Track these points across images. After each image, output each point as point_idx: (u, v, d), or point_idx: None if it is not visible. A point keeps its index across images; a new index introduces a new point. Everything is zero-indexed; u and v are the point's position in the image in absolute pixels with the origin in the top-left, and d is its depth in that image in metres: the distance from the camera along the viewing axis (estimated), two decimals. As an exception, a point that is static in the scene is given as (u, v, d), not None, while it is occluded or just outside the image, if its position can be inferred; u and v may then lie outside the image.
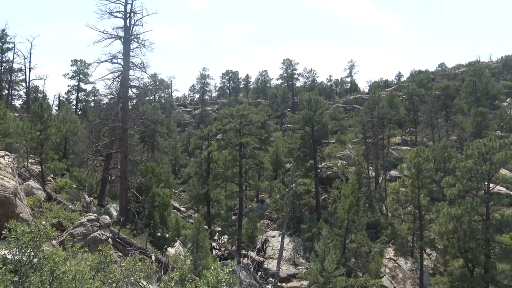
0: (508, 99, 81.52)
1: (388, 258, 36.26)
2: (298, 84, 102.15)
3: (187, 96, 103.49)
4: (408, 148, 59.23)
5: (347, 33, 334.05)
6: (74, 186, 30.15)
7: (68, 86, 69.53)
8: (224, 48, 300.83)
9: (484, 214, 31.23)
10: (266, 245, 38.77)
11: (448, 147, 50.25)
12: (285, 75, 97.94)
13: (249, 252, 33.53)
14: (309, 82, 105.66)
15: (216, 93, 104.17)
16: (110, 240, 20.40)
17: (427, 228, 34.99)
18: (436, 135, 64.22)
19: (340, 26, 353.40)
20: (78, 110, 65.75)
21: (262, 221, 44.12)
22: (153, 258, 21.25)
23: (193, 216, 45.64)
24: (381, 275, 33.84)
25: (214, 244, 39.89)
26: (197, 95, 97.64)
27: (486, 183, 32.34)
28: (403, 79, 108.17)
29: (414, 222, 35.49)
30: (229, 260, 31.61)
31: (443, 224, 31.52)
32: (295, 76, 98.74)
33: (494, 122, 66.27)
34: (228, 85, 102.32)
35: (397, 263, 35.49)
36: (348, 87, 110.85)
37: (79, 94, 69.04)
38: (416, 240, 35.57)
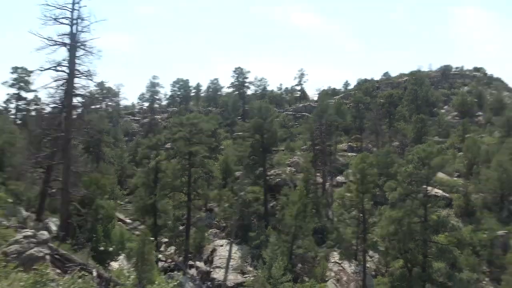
0: (445, 107, 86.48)
1: (333, 262, 37.22)
2: (249, 92, 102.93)
3: (136, 105, 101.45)
4: (354, 154, 61.25)
5: (297, 43, 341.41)
6: (10, 200, 28.69)
7: (7, 94, 65.98)
8: (175, 57, 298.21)
9: (423, 216, 32.96)
10: (214, 254, 38.63)
11: (391, 152, 52.42)
12: (236, 83, 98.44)
13: (197, 262, 33.31)
14: (260, 90, 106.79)
15: (166, 101, 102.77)
16: (48, 257, 19.56)
17: (370, 231, 36.35)
18: (380, 141, 66.88)
19: (290, 36, 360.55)
20: (17, 120, 62.64)
21: (211, 230, 43.93)
22: (95, 274, 20.63)
23: (139, 227, 44.60)
24: (327, 279, 34.69)
25: (160, 256, 39.18)
26: (146, 104, 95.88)
27: (424, 187, 34.18)
28: (350, 87, 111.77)
29: (358, 226, 36.73)
30: (175, 272, 31.23)
31: (385, 227, 32.93)
32: (246, 84, 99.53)
33: (433, 128, 70.05)
34: (179, 93, 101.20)
35: (341, 266, 36.51)
36: (298, 95, 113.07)
37: (19, 103, 65.81)
38: (359, 243, 36.77)
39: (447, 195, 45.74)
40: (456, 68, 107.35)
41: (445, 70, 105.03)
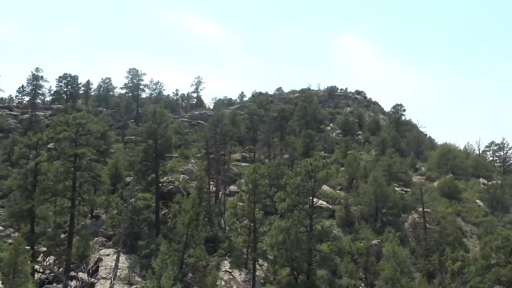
0: (331, 124, 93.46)
1: (224, 271, 37.44)
2: (144, 95, 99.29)
3: (14, 98, 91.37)
4: (247, 164, 62.75)
5: (195, 50, 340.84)
6: None
7: None
8: (63, 50, 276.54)
9: (309, 226, 34.87)
10: (100, 264, 36.21)
11: (281, 164, 54.80)
12: (130, 85, 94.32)
13: (79, 273, 30.85)
14: (155, 94, 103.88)
15: (51, 97, 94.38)
16: None
17: (260, 240, 37.35)
18: (272, 153, 69.53)
19: (189, 43, 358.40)
20: None
21: (96, 238, 41.15)
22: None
23: (12, 236, 40.03)
24: (217, 288, 34.71)
25: (37, 267, 35.55)
26: (26, 98, 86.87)
27: (311, 198, 36.25)
28: (245, 99, 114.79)
29: (249, 235, 37.54)
30: (54, 285, 28.55)
31: (274, 236, 34.09)
32: (141, 87, 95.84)
33: (319, 143, 75.08)
34: (66, 89, 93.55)
35: (232, 275, 36.90)
36: (194, 102, 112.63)
37: None
38: (250, 252, 37.57)
39: (330, 206, 49.18)
40: (341, 89, 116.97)
41: (331, 91, 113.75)
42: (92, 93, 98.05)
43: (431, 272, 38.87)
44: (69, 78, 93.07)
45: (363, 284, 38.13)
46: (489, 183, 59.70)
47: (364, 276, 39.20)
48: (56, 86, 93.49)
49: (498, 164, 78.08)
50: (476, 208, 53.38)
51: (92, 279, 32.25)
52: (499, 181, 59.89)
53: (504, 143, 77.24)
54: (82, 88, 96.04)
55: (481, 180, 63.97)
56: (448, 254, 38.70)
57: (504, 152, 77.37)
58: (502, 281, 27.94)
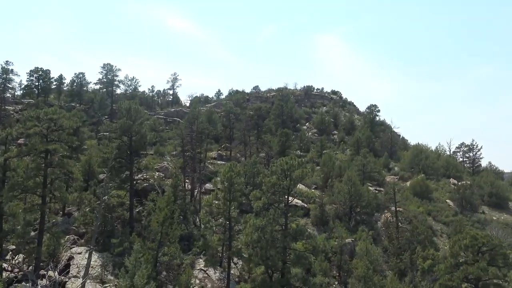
0: (307, 123, 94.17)
1: (198, 269, 37.24)
2: (119, 91, 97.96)
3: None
4: (223, 162, 62.59)
5: (172, 47, 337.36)
6: None
7: None
8: (35, 43, 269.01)
9: (284, 224, 35.00)
10: (71, 263, 35.41)
11: (257, 163, 54.87)
12: (105, 80, 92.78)
13: (49, 272, 30.02)
14: (130, 91, 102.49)
15: (21, 91, 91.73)
16: None
17: (235, 239, 37.28)
18: (248, 151, 69.59)
19: (165, 39, 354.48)
20: None
21: (68, 236, 40.23)
22: None
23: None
24: (191, 287, 34.45)
25: (5, 265, 34.46)
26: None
27: (286, 197, 36.41)
28: (222, 97, 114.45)
29: (224, 233, 37.44)
30: (23, 283, 27.75)
31: (249, 234, 34.08)
32: (116, 82, 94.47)
33: (295, 142, 75.56)
34: (37, 84, 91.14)
35: (207, 273, 36.73)
36: (170, 99, 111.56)
37: None
38: (225, 250, 37.49)
39: (305, 205, 49.60)
40: (317, 89, 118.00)
41: (308, 90, 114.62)
42: (65, 88, 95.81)
43: (402, 270, 39.69)
44: (40, 72, 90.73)
45: (336, 282, 38.60)
46: (459, 183, 61.47)
47: (337, 274, 39.70)
48: (27, 80, 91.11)
49: (468, 165, 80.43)
50: (446, 208, 54.86)
51: (63, 278, 31.51)
52: (469, 182, 61.71)
53: (474, 145, 79.66)
54: (54, 83, 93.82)
55: (452, 180, 65.83)
56: (419, 252, 39.57)
57: (474, 153, 79.74)
58: (470, 279, 28.75)
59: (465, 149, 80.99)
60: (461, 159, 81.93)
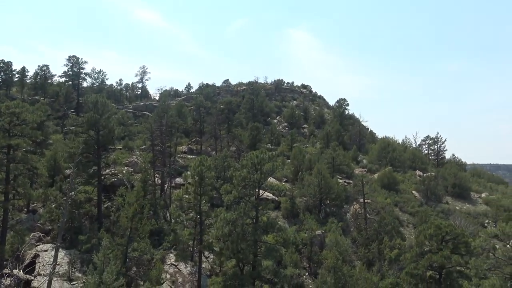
0: (277, 117, 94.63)
1: (169, 264, 36.96)
2: (85, 84, 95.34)
3: None
4: (193, 156, 62.13)
5: (139, 40, 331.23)
6: None
7: None
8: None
9: (254, 218, 35.11)
10: (37, 261, 34.43)
11: (228, 157, 54.76)
12: (70, 73, 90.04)
13: (14, 270, 29.10)
14: (97, 84, 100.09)
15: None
16: None
17: (206, 233, 37.13)
18: (219, 145, 69.34)
19: (132, 32, 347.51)
20: None
21: (33, 234, 39.05)
22: None
23: None
24: (162, 282, 34.17)
25: (-34, 264, 33.15)
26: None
27: (257, 190, 36.50)
28: (192, 90, 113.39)
29: (195, 227, 37.22)
30: (-15, 283, 26.79)
31: (220, 228, 33.99)
32: (82, 75, 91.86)
33: (266, 136, 75.87)
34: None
35: (177, 268, 36.50)
36: (139, 93, 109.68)
37: None
38: (196, 244, 37.34)
39: (276, 198, 49.92)
40: (288, 83, 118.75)
41: (278, 84, 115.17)
42: (28, 81, 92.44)
43: (370, 260, 40.66)
44: (1, 64, 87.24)
45: (307, 273, 39.16)
46: (424, 175, 63.36)
47: (308, 265, 40.27)
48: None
49: (433, 157, 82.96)
50: (412, 199, 56.47)
51: (28, 276, 30.60)
52: (433, 173, 63.69)
53: (438, 138, 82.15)
54: (16, 75, 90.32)
55: (417, 172, 67.79)
56: (386, 242, 40.62)
57: (438, 146, 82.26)
58: (434, 267, 29.73)
59: (430, 141, 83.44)
60: (426, 151, 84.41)
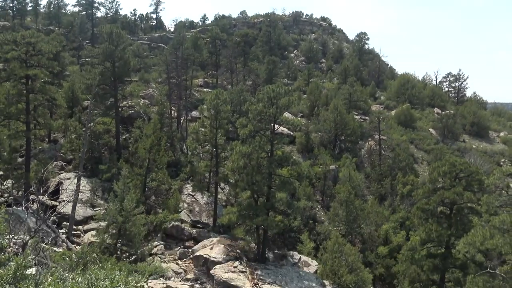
0: (295, 51, 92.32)
1: (186, 194, 38.29)
2: (99, 14, 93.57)
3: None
4: (209, 90, 61.87)
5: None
6: None
7: None
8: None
9: (269, 151, 35.57)
10: (60, 188, 36.02)
11: (244, 91, 54.47)
12: (84, 2, 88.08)
13: (39, 196, 30.61)
14: (111, 14, 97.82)
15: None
16: None
17: (222, 165, 37.95)
18: (234, 79, 68.67)
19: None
20: None
21: (55, 162, 40.51)
22: None
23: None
24: (180, 210, 35.67)
25: (-5, 190, 34.96)
26: (-32, 13, 79.64)
27: (272, 124, 36.63)
28: (208, 22, 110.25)
29: (211, 159, 38.01)
30: (14, 207, 28.30)
31: (236, 161, 34.61)
32: (96, 4, 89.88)
33: (282, 70, 74.61)
34: (12, 5, 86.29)
35: (194, 198, 37.84)
36: (153, 24, 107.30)
37: None
38: (212, 176, 38.33)
39: (291, 133, 50.16)
40: (306, 15, 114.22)
41: (296, 16, 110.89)
42: (41, 10, 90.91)
43: (382, 195, 41.45)
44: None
45: (319, 206, 40.29)
46: (443, 112, 62.40)
47: (321, 198, 41.32)
48: (0, 1, 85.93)
49: (453, 94, 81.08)
50: (428, 136, 56.14)
51: (53, 202, 32.19)
52: (452, 111, 62.66)
53: (460, 75, 79.69)
54: (30, 4, 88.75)
55: (436, 109, 66.74)
56: (399, 178, 41.09)
57: (459, 83, 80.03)
58: (446, 203, 30.15)
59: (452, 79, 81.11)
60: (447, 89, 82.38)
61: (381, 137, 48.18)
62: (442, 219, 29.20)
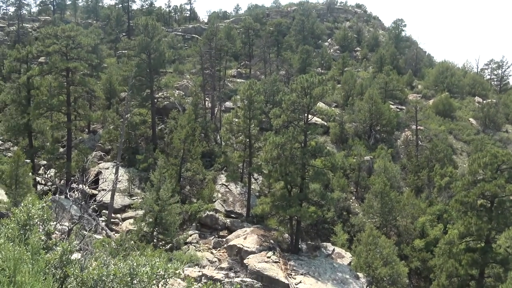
0: (329, 40, 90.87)
1: (220, 184, 38.76)
2: (135, 7, 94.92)
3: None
4: (242, 80, 61.99)
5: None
6: None
7: None
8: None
9: (303, 142, 35.39)
10: (100, 177, 37.29)
11: (277, 81, 54.19)
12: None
13: (80, 185, 31.83)
14: (146, 6, 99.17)
15: (37, 8, 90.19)
16: None
17: (255, 156, 38.13)
18: (268, 69, 68.43)
19: None
20: None
21: (95, 152, 41.93)
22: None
23: (12, 149, 40.59)
24: (214, 200, 36.18)
25: (38, 179, 36.58)
26: (12, 9, 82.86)
27: (306, 115, 36.37)
28: (241, 12, 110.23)
29: (244, 150, 38.27)
30: (57, 195, 29.56)
31: (269, 152, 34.66)
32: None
33: (316, 60, 73.68)
34: (52, 0, 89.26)
35: (228, 188, 38.26)
36: (187, 15, 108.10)
37: None
38: (245, 166, 38.61)
39: (325, 123, 49.65)
40: (341, 3, 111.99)
41: (331, 4, 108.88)
42: (80, 4, 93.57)
43: (419, 187, 40.49)
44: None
45: (353, 198, 39.83)
46: (484, 101, 59.98)
47: (355, 190, 40.83)
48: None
49: (495, 82, 77.72)
50: (468, 126, 54.20)
51: (93, 190, 33.42)
52: (494, 100, 60.13)
53: (504, 61, 76.21)
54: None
55: (477, 98, 64.20)
56: (437, 170, 39.94)
57: (502, 70, 76.59)
58: (486, 195, 29.14)
59: (494, 66, 77.68)
60: (488, 76, 79.04)
61: (418, 127, 46.91)
62: (482, 213, 28.24)
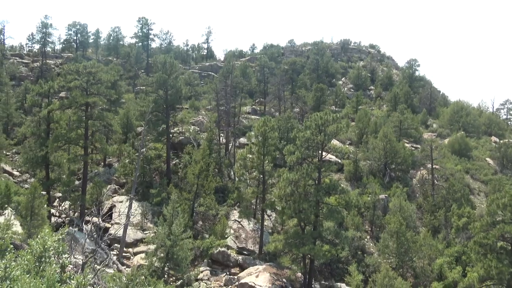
0: (343, 78, 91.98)
1: (233, 220, 38.45)
2: (154, 45, 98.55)
3: (25, 46, 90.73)
4: (257, 117, 62.72)
5: (205, 3, 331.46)
6: None
7: None
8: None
9: (317, 179, 35.19)
10: (113, 210, 37.39)
11: (291, 118, 54.63)
12: (140, 34, 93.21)
13: (94, 218, 31.94)
14: (165, 45, 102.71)
15: (61, 45, 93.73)
16: None
17: (269, 192, 37.95)
18: (282, 106, 69.24)
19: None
20: None
21: (109, 186, 42.27)
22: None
23: (29, 181, 41.20)
24: (226, 236, 35.79)
25: (53, 211, 36.84)
26: (36, 46, 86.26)
27: (320, 152, 36.37)
28: (256, 51, 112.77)
29: (258, 186, 38.14)
30: (70, 228, 29.64)
31: (283, 188, 34.52)
32: (151, 36, 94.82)
33: (330, 98, 74.38)
34: (75, 38, 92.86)
35: (241, 224, 37.91)
36: (204, 53, 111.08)
37: None
38: (259, 202, 38.36)
39: (339, 160, 49.46)
40: (355, 43, 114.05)
41: (345, 44, 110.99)
42: (102, 42, 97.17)
43: (436, 227, 39.52)
44: (78, 27, 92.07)
45: (368, 237, 39.02)
46: (501, 141, 59.26)
47: (370, 229, 40.04)
48: (65, 35, 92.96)
49: (512, 122, 77.07)
50: (485, 166, 53.36)
51: (106, 224, 33.42)
52: (511, 140, 59.38)
53: (519, 101, 75.81)
54: (91, 37, 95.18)
55: (493, 138, 63.52)
56: (454, 210, 39.10)
57: (519, 110, 76.11)
58: (507, 237, 28.32)
59: (510, 106, 77.36)
60: (504, 116, 78.50)
61: (434, 166, 46.35)
62: (503, 255, 27.35)
